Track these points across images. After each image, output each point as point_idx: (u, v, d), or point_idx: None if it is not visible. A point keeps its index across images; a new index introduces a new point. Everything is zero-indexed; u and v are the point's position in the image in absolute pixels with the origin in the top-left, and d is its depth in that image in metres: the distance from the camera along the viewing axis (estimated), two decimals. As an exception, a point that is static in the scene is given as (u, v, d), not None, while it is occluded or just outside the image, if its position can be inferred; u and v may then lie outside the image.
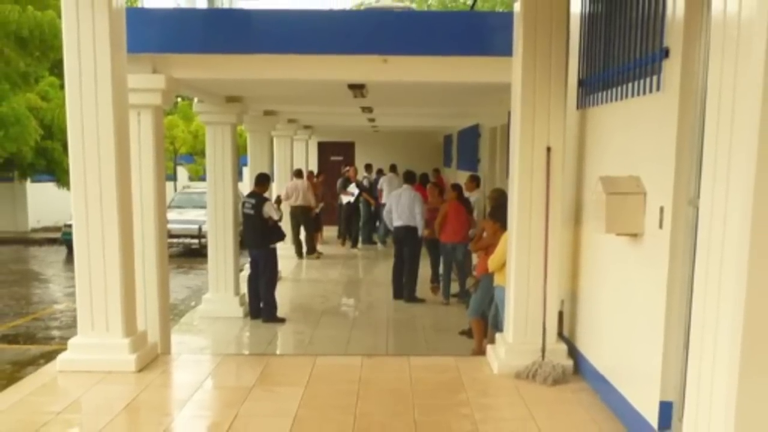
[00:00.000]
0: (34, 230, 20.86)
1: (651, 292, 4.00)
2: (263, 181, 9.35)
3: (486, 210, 8.71)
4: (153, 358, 5.79)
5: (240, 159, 10.99)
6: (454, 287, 10.13)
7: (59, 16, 5.34)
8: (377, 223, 16.27)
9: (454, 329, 8.56)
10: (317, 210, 14.70)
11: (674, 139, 3.74)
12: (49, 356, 6.78)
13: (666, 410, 3.87)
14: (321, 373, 5.50)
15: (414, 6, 23.02)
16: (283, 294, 10.06)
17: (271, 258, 9.16)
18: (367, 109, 11.55)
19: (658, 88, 3.98)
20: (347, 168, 17.37)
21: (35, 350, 8.78)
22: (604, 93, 4.93)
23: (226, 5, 25.76)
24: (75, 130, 5.23)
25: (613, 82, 4.72)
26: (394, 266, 10.54)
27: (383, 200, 14.74)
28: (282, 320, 9.15)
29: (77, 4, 5.09)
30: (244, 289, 9.50)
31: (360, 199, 16.01)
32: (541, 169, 5.31)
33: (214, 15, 10.63)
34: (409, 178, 11.05)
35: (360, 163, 19.21)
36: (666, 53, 3.87)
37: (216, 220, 9.31)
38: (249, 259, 9.32)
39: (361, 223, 16.27)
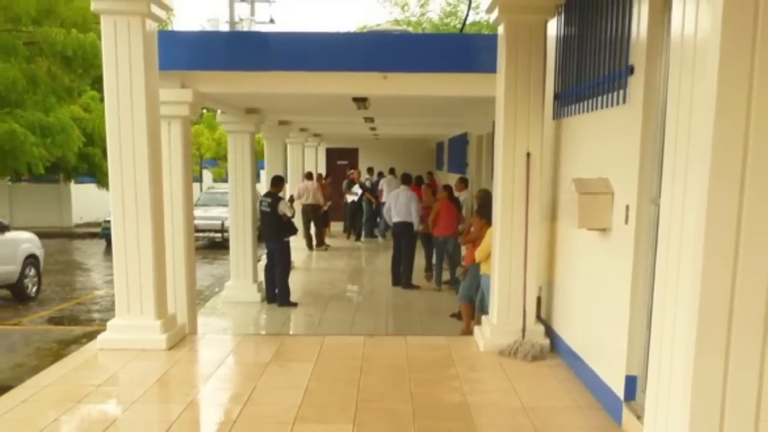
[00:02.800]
0: (77, 225, 20.86)
1: (618, 279, 4.00)
2: (278, 182, 9.35)
3: (473, 208, 8.69)
4: (181, 338, 5.79)
5: (258, 163, 10.99)
6: (446, 275, 10.12)
7: (99, 38, 5.33)
8: (378, 220, 16.25)
9: (445, 312, 8.56)
10: (325, 208, 14.69)
11: (638, 145, 3.73)
12: (91, 336, 6.78)
13: (631, 383, 3.87)
14: (329, 351, 5.50)
15: (410, 29, 23.00)
16: (295, 281, 10.05)
17: (285, 250, 9.16)
18: (369, 119, 11.53)
19: (624, 101, 3.97)
20: (352, 171, 17.36)
21: (78, 331, 8.79)
22: (577, 105, 4.92)
23: (245, 28, 25.74)
24: (113, 138, 5.23)
25: (585, 95, 4.71)
26: (393, 257, 10.54)
27: (383, 199, 14.71)
28: (294, 304, 9.14)
29: (115, 28, 5.09)
30: (261, 277, 9.50)
31: (363, 198, 16.00)
32: (521, 172, 5.30)
33: (235, 37, 10.61)
34: (406, 179, 11.06)
35: (363, 166, 19.20)
36: (631, 70, 3.86)
37: (237, 217, 9.32)
38: (266, 251, 9.32)
39: (364, 219, 16.25)
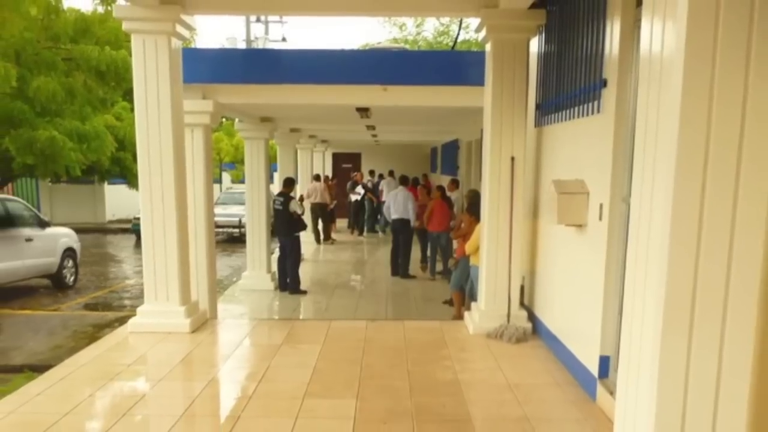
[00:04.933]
0: (110, 222, 20.87)
1: (592, 269, 4.01)
2: (289, 183, 9.35)
3: (464, 206, 8.69)
4: (203, 322, 5.80)
5: (271, 166, 10.97)
6: (439, 266, 10.13)
7: (130, 54, 5.33)
8: (379, 217, 16.26)
9: (438, 299, 8.57)
10: (332, 206, 14.70)
11: (611, 150, 3.73)
12: (122, 320, 6.79)
13: (605, 363, 3.88)
14: (335, 334, 5.50)
15: (407, 46, 22.97)
16: (305, 272, 10.06)
17: (296, 244, 9.17)
18: (371, 127, 11.53)
19: (598, 111, 3.97)
20: (355, 173, 17.37)
21: (111, 316, 8.80)
22: (556, 114, 4.92)
23: (260, 46, 25.72)
24: (142, 144, 5.23)
25: (563, 106, 4.71)
26: (392, 250, 10.55)
27: (383, 198, 14.72)
28: (304, 292, 9.16)
29: (144, 46, 5.08)
30: (274, 267, 9.51)
31: (365, 198, 16.00)
32: (506, 174, 5.30)
33: (251, 54, 10.62)
34: (403, 180, 11.07)
35: (365, 169, 19.20)
36: (604, 83, 3.86)
37: (252, 214, 9.33)
38: (278, 245, 9.32)
39: (366, 216, 16.26)
